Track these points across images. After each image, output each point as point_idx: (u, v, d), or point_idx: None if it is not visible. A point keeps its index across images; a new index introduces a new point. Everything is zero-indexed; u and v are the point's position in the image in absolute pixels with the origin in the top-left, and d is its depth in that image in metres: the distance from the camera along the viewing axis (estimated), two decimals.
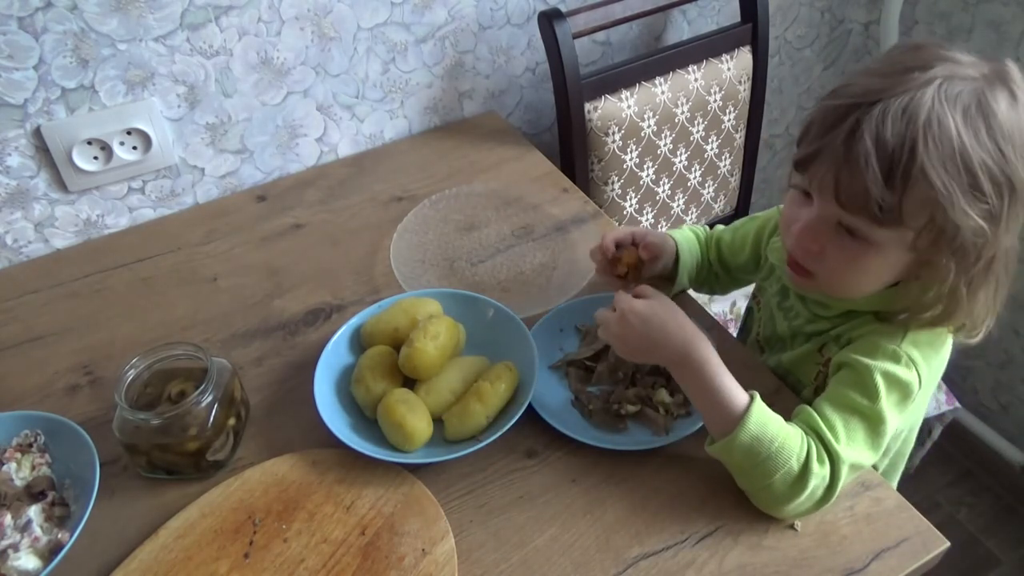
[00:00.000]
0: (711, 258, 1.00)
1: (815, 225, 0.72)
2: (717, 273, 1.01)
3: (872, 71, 0.69)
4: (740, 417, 0.71)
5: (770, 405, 0.84)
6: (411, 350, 0.81)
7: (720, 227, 1.03)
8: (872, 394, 0.72)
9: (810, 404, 0.75)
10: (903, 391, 0.73)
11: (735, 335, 1.05)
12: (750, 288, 1.02)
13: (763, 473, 0.70)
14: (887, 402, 0.72)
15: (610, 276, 0.91)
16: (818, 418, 0.72)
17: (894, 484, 0.97)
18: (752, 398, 0.72)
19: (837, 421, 0.72)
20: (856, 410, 0.72)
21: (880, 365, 0.72)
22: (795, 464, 0.69)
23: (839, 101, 0.68)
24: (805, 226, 0.72)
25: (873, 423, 0.72)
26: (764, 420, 0.71)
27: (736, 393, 0.72)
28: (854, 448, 0.71)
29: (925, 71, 0.66)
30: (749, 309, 1.00)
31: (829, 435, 0.71)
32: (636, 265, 0.89)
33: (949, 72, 0.66)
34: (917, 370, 0.73)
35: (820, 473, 0.70)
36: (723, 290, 1.04)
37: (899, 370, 0.72)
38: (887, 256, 0.70)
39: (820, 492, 0.71)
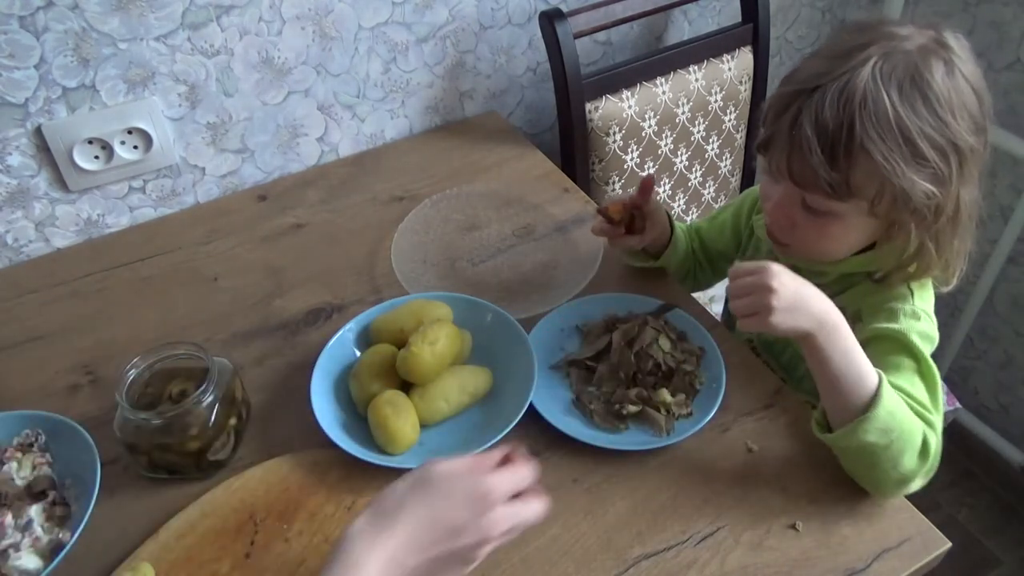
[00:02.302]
0: (694, 248, 1.03)
1: (783, 203, 0.78)
2: (700, 262, 1.04)
3: (819, 54, 0.74)
4: (876, 391, 0.69)
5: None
6: (407, 354, 0.81)
7: (697, 220, 1.07)
8: (916, 355, 0.75)
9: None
10: (932, 343, 0.77)
11: (723, 320, 1.08)
12: None
13: (897, 450, 0.69)
14: (929, 358, 0.75)
15: (616, 236, 0.93)
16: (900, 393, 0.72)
17: None
18: (880, 372, 0.71)
19: (907, 387, 0.73)
20: (913, 373, 0.75)
21: (910, 325, 0.76)
22: (918, 436, 0.70)
23: (787, 88, 0.73)
24: (775, 204, 0.79)
25: (930, 382, 0.75)
26: (894, 394, 0.70)
27: (869, 367, 0.70)
28: (934, 408, 0.74)
29: (863, 50, 0.70)
30: None
31: (912, 402, 0.72)
32: (624, 209, 0.91)
33: (885, 49, 0.70)
34: (932, 321, 0.79)
35: (933, 442, 0.71)
36: (706, 282, 1.08)
37: (924, 326, 0.77)
38: (852, 223, 0.75)
39: (930, 463, 0.72)
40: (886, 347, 0.77)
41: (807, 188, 0.73)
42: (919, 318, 0.77)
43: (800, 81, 0.72)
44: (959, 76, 0.70)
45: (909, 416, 0.70)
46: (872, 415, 0.68)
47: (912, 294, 0.79)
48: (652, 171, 1.38)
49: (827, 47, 0.74)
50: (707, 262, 1.04)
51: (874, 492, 0.75)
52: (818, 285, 0.84)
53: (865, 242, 0.79)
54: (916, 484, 0.73)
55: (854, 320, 0.81)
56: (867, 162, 0.69)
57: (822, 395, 0.73)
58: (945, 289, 0.80)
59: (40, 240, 1.10)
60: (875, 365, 0.74)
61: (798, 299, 0.69)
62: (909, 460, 0.70)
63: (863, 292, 0.82)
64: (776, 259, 0.91)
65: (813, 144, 0.69)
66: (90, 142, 1.05)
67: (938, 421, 0.73)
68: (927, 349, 0.76)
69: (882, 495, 0.75)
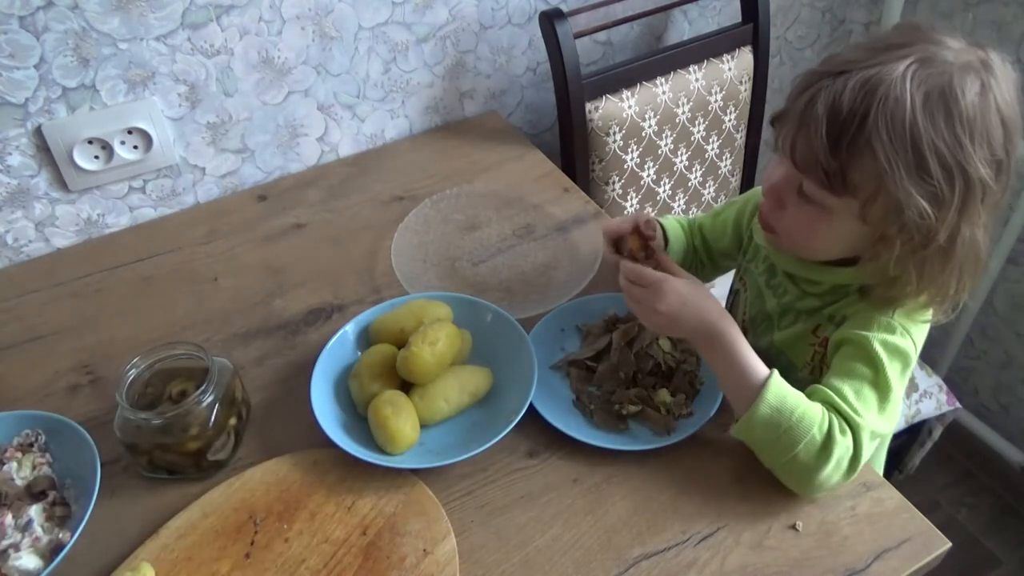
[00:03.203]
0: (696, 244, 1.02)
1: (780, 185, 0.77)
2: (702, 260, 1.03)
3: (862, 44, 0.72)
4: (759, 388, 0.73)
5: None
6: (408, 354, 0.81)
7: (700, 215, 1.05)
8: (875, 363, 0.74)
9: (807, 384, 0.76)
10: (903, 359, 0.76)
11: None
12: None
13: (787, 444, 0.71)
14: (891, 370, 0.74)
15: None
16: (831, 392, 0.74)
17: (879, 463, 1.00)
18: (771, 372, 0.74)
19: (848, 392, 0.74)
20: (864, 380, 0.74)
21: (878, 335, 0.75)
22: (817, 434, 0.71)
23: (819, 68, 0.72)
24: (772, 185, 0.78)
25: (882, 391, 0.74)
26: (783, 392, 0.73)
27: (757, 368, 0.75)
28: (870, 415, 0.73)
29: (903, 48, 0.68)
30: (735, 291, 1.01)
31: (844, 406, 0.73)
32: (643, 246, 0.90)
33: (927, 54, 0.68)
34: (911, 337, 0.76)
35: (844, 443, 0.71)
36: (706, 278, 1.07)
37: (896, 339, 0.75)
38: (840, 224, 0.74)
39: (846, 463, 0.72)
40: (848, 351, 0.76)
41: (805, 172, 0.72)
42: (893, 331, 0.75)
43: (832, 64, 0.71)
44: (992, 102, 0.67)
45: (802, 411, 0.71)
46: (753, 411, 0.72)
47: (895, 309, 0.77)
48: (652, 171, 1.38)
49: (872, 39, 0.72)
50: (708, 260, 1.03)
51: (789, 486, 0.76)
52: (811, 295, 0.85)
53: (849, 250, 0.77)
54: (829, 478, 0.72)
55: (838, 326, 0.81)
56: (869, 160, 0.67)
57: (724, 393, 0.79)
58: (936, 320, 0.78)
59: (40, 240, 1.10)
60: (833, 366, 0.77)
61: (678, 318, 0.77)
62: (805, 454, 0.71)
63: (853, 302, 0.81)
64: (773, 266, 0.91)
65: (821, 126, 0.68)
66: (90, 142, 1.05)
67: (868, 425, 0.72)
68: (895, 363, 0.75)
69: (797, 490, 0.76)
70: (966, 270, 0.73)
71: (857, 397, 0.73)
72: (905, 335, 0.76)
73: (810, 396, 0.74)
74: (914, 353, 0.76)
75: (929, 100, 0.66)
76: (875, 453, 0.98)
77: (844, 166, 0.68)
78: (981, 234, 0.71)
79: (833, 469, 0.71)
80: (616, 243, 0.90)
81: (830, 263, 0.81)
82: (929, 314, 0.78)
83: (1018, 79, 0.70)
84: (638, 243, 0.89)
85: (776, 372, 0.74)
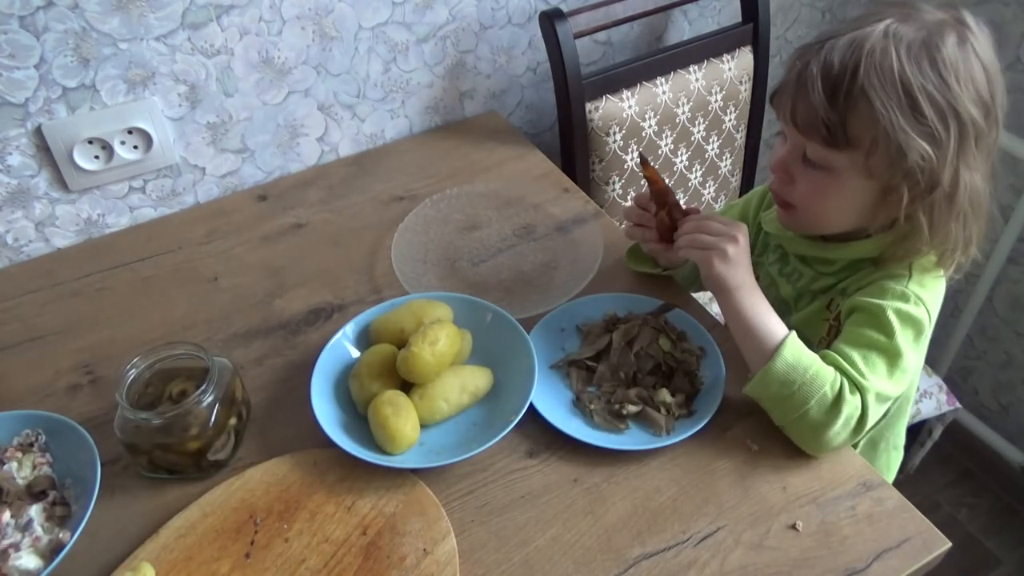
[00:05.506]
0: None
1: (786, 158, 0.81)
2: None
3: (843, 21, 0.76)
4: (777, 346, 0.76)
5: None
6: (408, 354, 0.81)
7: None
8: (888, 330, 0.77)
9: None
10: (916, 327, 0.78)
11: None
12: None
13: (800, 400, 0.74)
14: (903, 337, 0.77)
15: (647, 223, 0.93)
16: (838, 356, 0.77)
17: (901, 431, 1.02)
18: (790, 332, 0.77)
19: (856, 356, 0.77)
20: (873, 346, 0.77)
21: (891, 304, 0.78)
22: (829, 391, 0.74)
23: (806, 44, 0.78)
24: (778, 159, 0.82)
25: (891, 356, 0.77)
26: (799, 350, 0.76)
27: (777, 327, 0.78)
28: (876, 378, 0.76)
29: (881, 14, 0.74)
30: None
31: (852, 370, 0.76)
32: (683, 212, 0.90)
33: (903, 15, 0.73)
34: (925, 306, 0.79)
35: (853, 402, 0.74)
36: None
37: (910, 308, 0.78)
38: (847, 183, 0.77)
39: (854, 421, 0.75)
40: (860, 318, 0.79)
41: (808, 134, 0.76)
42: (907, 299, 0.78)
43: (818, 38, 0.76)
44: (971, 50, 0.72)
45: (815, 370, 0.74)
46: (770, 366, 0.75)
47: (910, 277, 0.80)
48: None
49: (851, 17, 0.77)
50: None
51: (799, 443, 0.78)
52: (826, 274, 0.88)
53: (862, 215, 0.80)
54: (838, 435, 0.75)
55: (851, 297, 0.84)
56: (865, 108, 0.71)
57: (740, 349, 0.81)
58: (951, 275, 0.81)
59: (40, 240, 1.10)
60: (845, 332, 0.80)
61: (740, 260, 0.79)
62: (817, 411, 0.74)
63: (867, 273, 0.84)
64: (785, 255, 0.93)
65: (817, 83, 0.73)
66: (90, 142, 1.05)
67: (873, 388, 0.75)
68: (907, 331, 0.77)
69: (806, 446, 0.78)
70: (971, 218, 0.77)
71: (865, 362, 0.76)
72: (919, 304, 0.78)
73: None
74: (928, 322, 0.79)
75: (912, 50, 0.71)
76: (898, 415, 0.99)
77: (843, 117, 0.72)
78: (980, 181, 0.75)
79: (842, 427, 0.74)
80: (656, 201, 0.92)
81: (843, 239, 0.84)
82: (942, 272, 0.81)
83: (990, 34, 0.74)
84: (670, 215, 0.90)
85: (794, 332, 0.77)
